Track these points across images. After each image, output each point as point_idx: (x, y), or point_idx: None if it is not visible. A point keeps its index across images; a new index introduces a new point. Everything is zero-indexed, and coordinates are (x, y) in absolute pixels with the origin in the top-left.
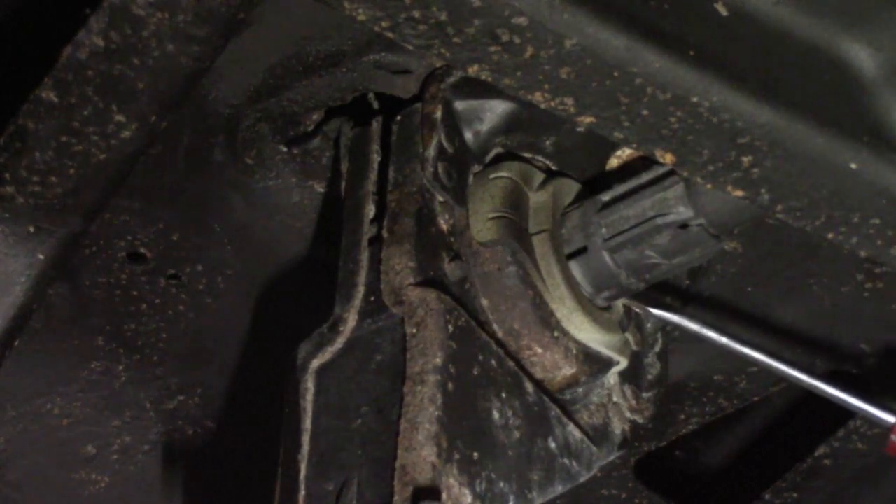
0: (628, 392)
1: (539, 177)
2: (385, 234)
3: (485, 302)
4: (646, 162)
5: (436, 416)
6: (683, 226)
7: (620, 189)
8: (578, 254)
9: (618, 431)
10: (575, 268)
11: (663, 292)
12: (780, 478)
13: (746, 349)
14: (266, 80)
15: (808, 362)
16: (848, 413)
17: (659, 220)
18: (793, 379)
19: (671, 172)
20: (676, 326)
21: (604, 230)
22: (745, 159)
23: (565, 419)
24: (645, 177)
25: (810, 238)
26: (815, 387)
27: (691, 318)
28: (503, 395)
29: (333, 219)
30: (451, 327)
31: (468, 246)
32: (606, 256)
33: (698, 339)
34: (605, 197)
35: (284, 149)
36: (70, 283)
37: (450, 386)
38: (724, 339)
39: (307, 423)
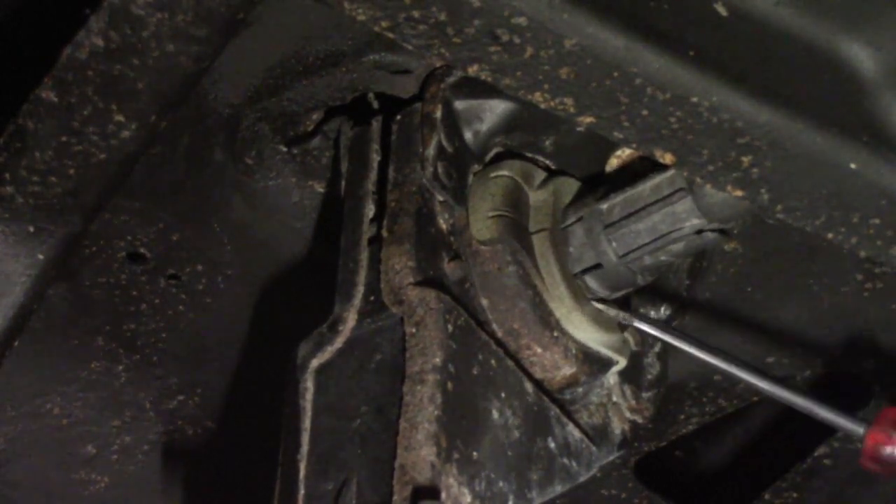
0: (628, 392)
1: (540, 175)
2: (385, 233)
3: (484, 302)
4: (644, 162)
5: (435, 415)
6: (698, 231)
7: (618, 199)
8: (592, 269)
9: (618, 431)
10: (590, 279)
11: (663, 292)
12: (780, 478)
13: (724, 364)
14: (266, 80)
15: (808, 362)
16: (848, 413)
17: (675, 235)
18: (771, 393)
19: (677, 190)
20: (660, 340)
21: (614, 245)
22: (745, 159)
23: (565, 419)
24: (647, 187)
25: (810, 238)
26: (791, 400)
27: (673, 332)
28: (503, 394)
29: (333, 219)
30: (450, 327)
31: (468, 245)
32: (623, 268)
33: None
34: (604, 206)
35: (284, 149)
36: (70, 283)
37: (449, 385)
38: (703, 354)
39: (307, 423)
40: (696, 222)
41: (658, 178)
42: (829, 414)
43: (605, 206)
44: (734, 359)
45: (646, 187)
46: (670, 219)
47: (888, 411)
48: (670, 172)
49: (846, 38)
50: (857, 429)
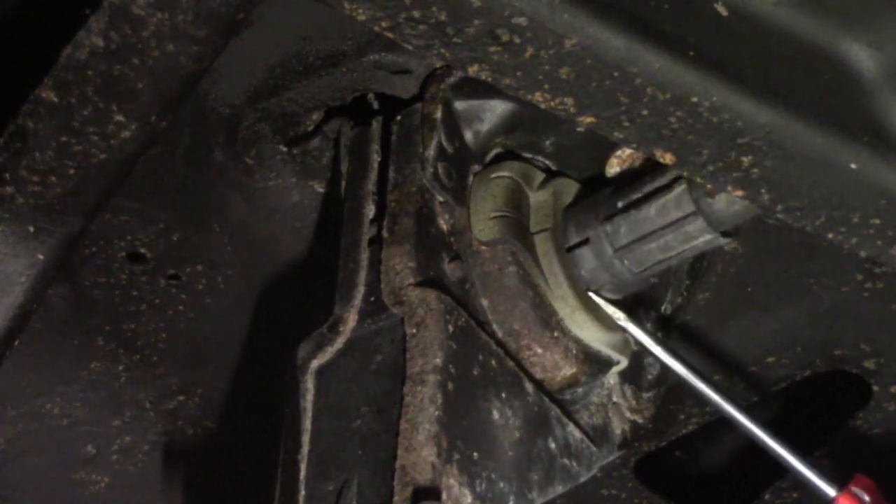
0: (628, 392)
1: (539, 176)
2: (385, 234)
3: (485, 302)
4: (644, 163)
5: (436, 416)
6: None
7: (623, 221)
8: (603, 285)
9: (618, 431)
10: (603, 290)
11: (663, 292)
12: (780, 478)
13: (702, 385)
14: (266, 80)
15: (808, 362)
16: (848, 413)
17: (687, 254)
18: (741, 426)
19: (688, 214)
20: (642, 345)
21: (627, 262)
22: (745, 159)
23: (565, 419)
24: (651, 209)
25: (810, 238)
26: (761, 439)
27: (661, 343)
28: (503, 395)
29: (333, 219)
30: (451, 327)
31: (468, 246)
32: (632, 278)
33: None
34: (608, 227)
35: (284, 149)
36: (70, 283)
37: (450, 386)
38: (683, 371)
39: (307, 424)
40: (708, 237)
41: (662, 199)
42: (804, 469)
43: (609, 227)
44: (713, 383)
45: (650, 210)
46: (682, 237)
47: (860, 479)
48: (675, 192)
49: (846, 38)
50: (829, 491)
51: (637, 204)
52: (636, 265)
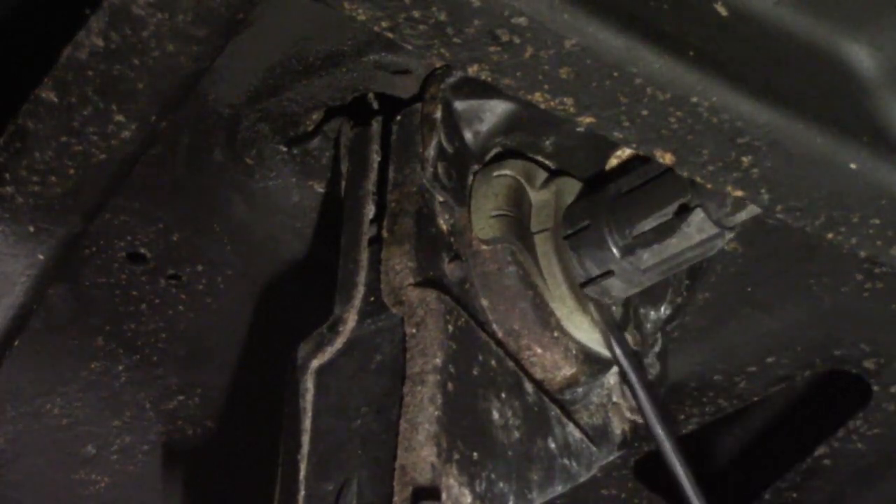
0: (628, 392)
1: (542, 175)
2: (385, 234)
3: (485, 302)
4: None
5: (436, 416)
6: None
7: (646, 251)
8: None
9: (618, 431)
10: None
11: (663, 292)
12: (780, 478)
13: (651, 416)
14: (266, 80)
15: (808, 362)
16: (848, 413)
17: (710, 252)
18: (670, 463)
19: (715, 236)
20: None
21: (653, 275)
22: (745, 159)
23: (565, 419)
24: (673, 239)
25: (810, 238)
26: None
27: (633, 366)
28: (503, 395)
29: (333, 219)
30: (450, 327)
31: (468, 246)
32: (658, 279)
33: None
34: (631, 259)
35: (284, 149)
36: (70, 283)
37: (450, 386)
38: (640, 397)
39: (307, 423)
40: (725, 240)
41: (682, 231)
42: None
43: (631, 258)
44: (661, 416)
45: (671, 240)
46: (706, 248)
47: None
48: (695, 223)
49: (846, 38)
50: None
51: (656, 237)
52: (662, 273)
